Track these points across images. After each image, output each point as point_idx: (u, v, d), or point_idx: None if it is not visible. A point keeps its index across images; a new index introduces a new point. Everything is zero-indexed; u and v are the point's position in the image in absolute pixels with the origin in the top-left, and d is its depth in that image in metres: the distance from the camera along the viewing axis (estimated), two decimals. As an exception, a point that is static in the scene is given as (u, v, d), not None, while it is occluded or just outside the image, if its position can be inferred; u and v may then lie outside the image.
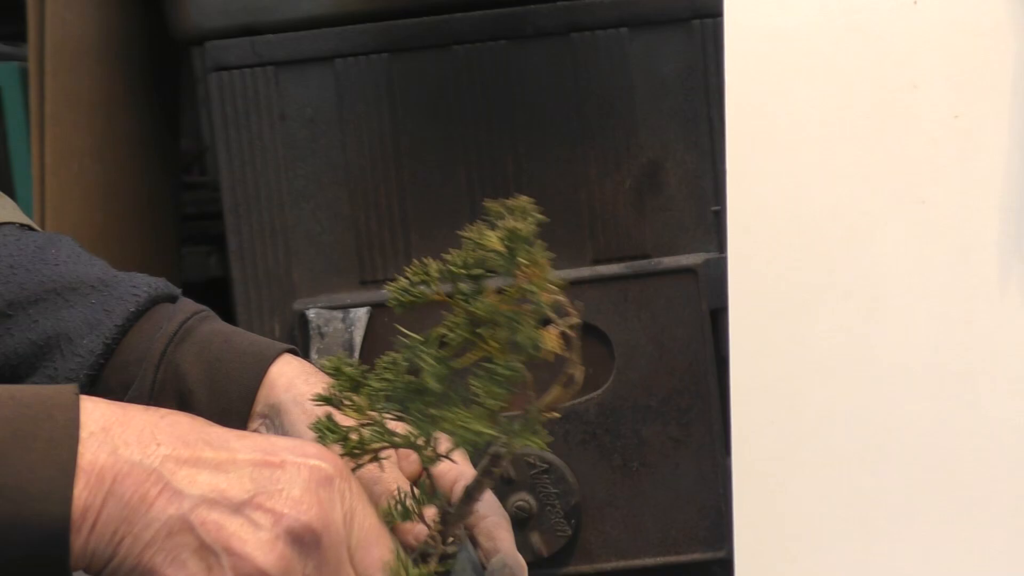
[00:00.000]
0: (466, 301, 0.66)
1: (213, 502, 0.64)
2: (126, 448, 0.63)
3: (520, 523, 1.35)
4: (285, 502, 0.65)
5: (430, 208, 1.41)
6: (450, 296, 0.70)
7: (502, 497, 1.37)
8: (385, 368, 0.69)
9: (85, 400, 0.65)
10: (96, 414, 0.64)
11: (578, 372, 0.67)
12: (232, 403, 0.82)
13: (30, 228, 0.89)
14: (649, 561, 1.41)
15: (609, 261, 1.38)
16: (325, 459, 0.67)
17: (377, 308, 1.39)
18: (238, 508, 0.64)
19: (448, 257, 0.67)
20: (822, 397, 1.06)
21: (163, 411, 0.67)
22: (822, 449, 1.07)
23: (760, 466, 1.10)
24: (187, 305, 0.86)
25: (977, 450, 1.07)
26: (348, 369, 0.70)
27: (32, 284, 0.83)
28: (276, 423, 0.81)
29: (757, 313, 1.08)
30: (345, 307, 1.39)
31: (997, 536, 1.08)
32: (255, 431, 0.82)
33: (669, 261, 1.36)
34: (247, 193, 1.41)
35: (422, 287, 0.68)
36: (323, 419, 0.70)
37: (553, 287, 0.65)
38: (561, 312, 0.66)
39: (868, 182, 1.04)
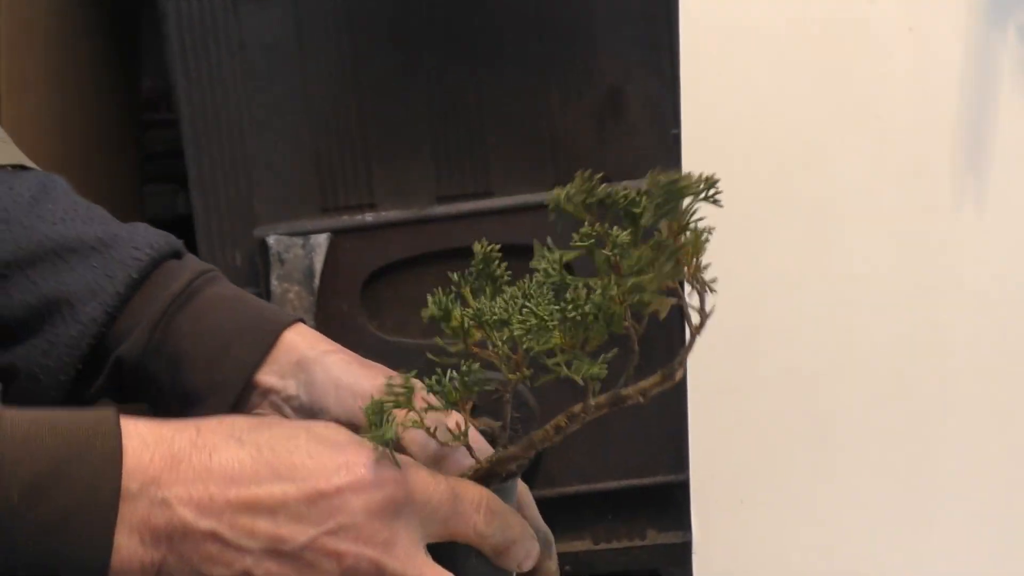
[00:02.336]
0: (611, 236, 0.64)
1: (275, 552, 0.64)
2: (181, 506, 0.63)
3: (483, 448, 1.36)
4: (345, 539, 0.65)
5: (391, 136, 1.40)
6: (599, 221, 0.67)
7: (465, 422, 1.38)
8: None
9: (128, 439, 0.63)
10: (144, 457, 0.63)
11: (680, 371, 0.67)
12: (229, 375, 0.79)
13: (23, 167, 0.85)
14: (612, 484, 1.42)
15: (571, 186, 1.38)
16: (376, 474, 0.66)
17: (337, 234, 1.39)
18: (300, 554, 0.64)
19: (622, 187, 0.65)
20: (777, 316, 1.07)
21: (210, 443, 0.65)
22: (778, 368, 1.08)
23: (716, 387, 1.11)
24: (192, 264, 0.83)
25: (934, 364, 1.08)
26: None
27: (30, 243, 0.80)
28: (301, 380, 0.79)
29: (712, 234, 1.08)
30: (306, 233, 1.38)
31: (955, 448, 1.09)
32: (283, 401, 0.80)
33: (631, 184, 1.36)
34: (207, 123, 1.40)
35: (579, 200, 0.65)
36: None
37: (699, 273, 0.64)
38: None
39: (822, 98, 1.04)
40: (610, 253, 0.63)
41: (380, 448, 0.66)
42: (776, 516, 1.13)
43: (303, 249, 1.39)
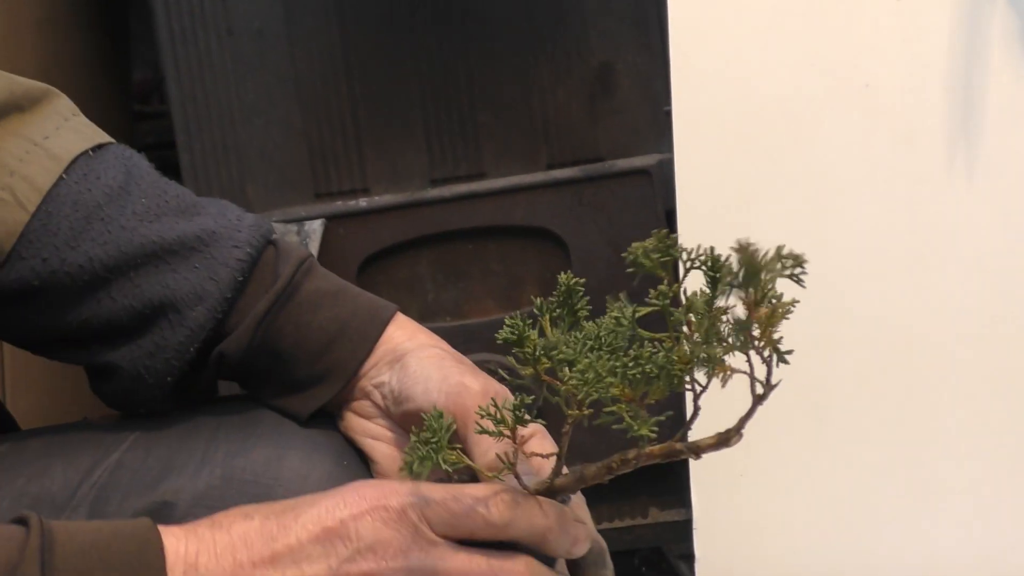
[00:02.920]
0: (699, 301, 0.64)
1: None
2: None
3: (482, 430, 1.36)
4: (366, 560, 0.68)
5: (382, 120, 1.40)
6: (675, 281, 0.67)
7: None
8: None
9: (165, 536, 0.69)
10: (180, 548, 0.69)
11: (735, 438, 0.68)
12: (334, 369, 0.80)
13: (99, 146, 0.84)
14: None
15: (563, 166, 1.38)
16: (371, 493, 0.69)
17: (331, 220, 1.39)
18: None
19: (702, 250, 0.64)
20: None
21: (226, 522, 0.70)
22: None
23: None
24: (288, 255, 0.83)
25: (929, 333, 1.08)
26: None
27: (131, 247, 0.79)
28: (396, 369, 0.80)
29: (705, 207, 1.08)
30: (300, 220, 1.38)
31: (951, 416, 1.09)
32: (375, 387, 0.81)
33: (623, 163, 1.36)
34: (197, 110, 1.40)
35: (656, 257, 0.65)
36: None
37: (772, 344, 0.63)
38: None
39: (812, 67, 1.03)
40: (683, 316, 0.64)
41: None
42: (775, 490, 1.13)
43: (298, 235, 1.39)
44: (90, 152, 0.82)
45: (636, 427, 0.66)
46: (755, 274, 0.62)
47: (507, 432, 0.69)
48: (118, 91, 1.86)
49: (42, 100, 0.83)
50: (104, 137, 0.85)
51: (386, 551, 0.68)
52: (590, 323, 0.68)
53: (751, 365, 0.62)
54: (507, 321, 0.68)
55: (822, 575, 1.13)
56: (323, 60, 1.38)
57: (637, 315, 0.66)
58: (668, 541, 1.50)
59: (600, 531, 1.46)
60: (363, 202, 1.40)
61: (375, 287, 1.42)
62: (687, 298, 0.64)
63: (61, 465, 0.81)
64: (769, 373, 0.63)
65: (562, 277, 0.71)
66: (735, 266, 0.63)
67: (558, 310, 0.71)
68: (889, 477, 1.10)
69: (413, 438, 0.68)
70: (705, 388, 0.65)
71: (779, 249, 0.62)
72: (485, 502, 0.69)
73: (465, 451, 0.73)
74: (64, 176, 0.80)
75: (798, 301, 0.60)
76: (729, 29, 1.06)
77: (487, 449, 0.73)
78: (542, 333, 0.69)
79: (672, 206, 1.31)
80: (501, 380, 0.75)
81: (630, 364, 0.65)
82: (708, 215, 1.05)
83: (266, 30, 1.38)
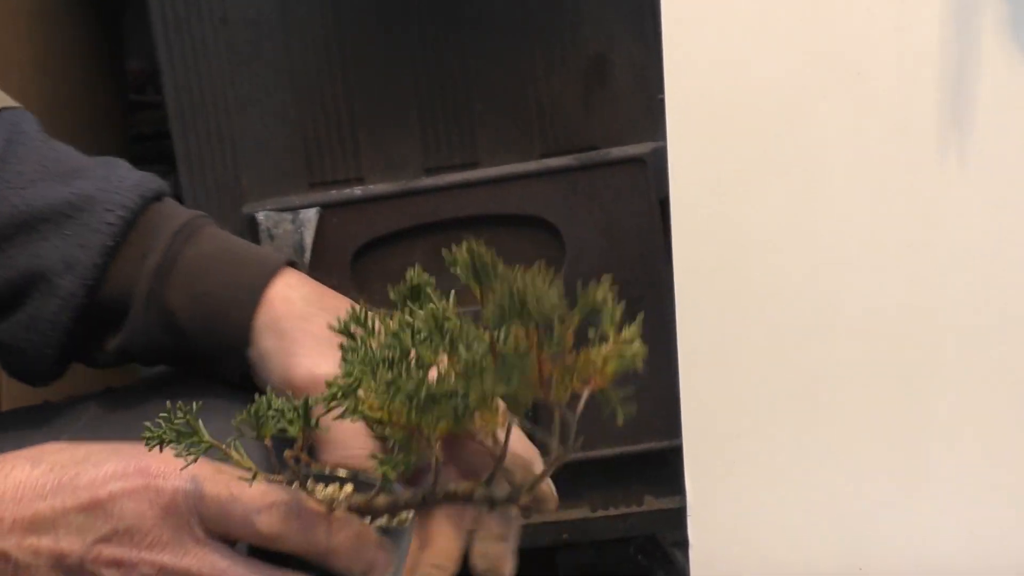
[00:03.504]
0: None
1: (59, 568, 0.64)
2: None
3: (477, 418, 1.36)
4: (122, 545, 0.64)
5: (377, 108, 1.40)
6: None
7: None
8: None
9: None
10: None
11: (516, 504, 0.62)
12: (228, 339, 0.77)
13: None
14: (607, 452, 1.42)
15: (558, 154, 1.38)
16: (153, 467, 0.65)
17: (327, 209, 1.39)
18: (81, 567, 0.64)
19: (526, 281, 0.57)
20: (765, 276, 1.07)
21: (7, 465, 0.65)
22: (766, 328, 1.08)
23: (706, 351, 1.11)
24: (169, 219, 0.79)
25: (921, 321, 1.08)
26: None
27: (1, 217, 0.77)
28: (279, 347, 0.77)
29: (698, 197, 1.08)
30: (294, 208, 1.38)
31: (944, 404, 1.09)
32: (265, 354, 0.77)
33: (617, 152, 1.36)
34: (191, 100, 1.40)
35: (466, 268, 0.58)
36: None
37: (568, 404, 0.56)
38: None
39: (804, 56, 1.03)
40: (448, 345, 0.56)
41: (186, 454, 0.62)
42: (769, 478, 1.14)
43: (292, 224, 1.39)
44: None
45: (380, 467, 0.59)
46: (524, 310, 0.54)
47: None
48: (113, 81, 1.86)
49: None
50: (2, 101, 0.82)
51: (143, 540, 0.63)
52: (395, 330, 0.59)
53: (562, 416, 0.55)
54: (352, 311, 0.62)
55: (816, 562, 1.13)
56: (317, 49, 1.38)
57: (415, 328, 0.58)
58: (662, 529, 1.51)
59: (594, 519, 1.48)
60: (357, 191, 1.40)
61: (369, 276, 1.42)
62: (459, 328, 0.56)
63: (12, 446, 0.80)
64: (567, 431, 0.56)
65: (410, 273, 0.63)
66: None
67: (404, 307, 0.62)
68: (883, 466, 1.10)
69: (253, 407, 0.61)
70: (497, 434, 0.57)
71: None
72: (259, 510, 0.64)
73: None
74: None
75: (643, 353, 0.53)
76: (722, 17, 1.06)
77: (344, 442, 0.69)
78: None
79: (667, 194, 1.32)
80: None
81: (384, 387, 0.57)
82: (701, 203, 1.06)
83: (261, 19, 1.38)
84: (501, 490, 0.63)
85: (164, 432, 0.61)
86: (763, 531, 1.14)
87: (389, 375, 0.56)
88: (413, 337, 0.58)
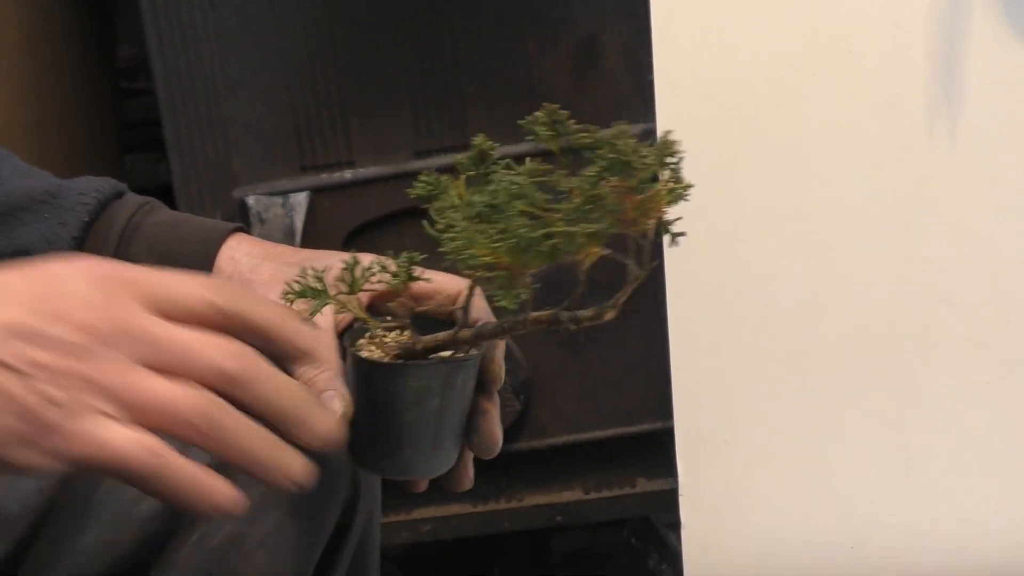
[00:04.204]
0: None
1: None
2: None
3: (470, 401, 1.36)
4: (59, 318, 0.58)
5: (367, 91, 1.39)
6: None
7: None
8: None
9: None
10: None
11: (609, 313, 0.68)
12: None
13: None
14: (600, 434, 1.42)
15: (549, 137, 1.37)
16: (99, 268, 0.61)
17: (317, 193, 1.38)
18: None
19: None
20: (755, 254, 1.07)
21: None
22: (757, 306, 1.08)
23: (696, 332, 1.11)
24: (132, 200, 0.86)
25: (912, 299, 1.08)
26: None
27: None
28: None
29: (687, 175, 1.07)
30: (285, 192, 1.38)
31: (935, 379, 1.09)
32: None
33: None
34: (181, 84, 1.39)
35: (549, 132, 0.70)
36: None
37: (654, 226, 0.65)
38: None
39: (794, 34, 1.03)
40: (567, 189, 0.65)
41: None
42: (760, 457, 1.14)
43: (283, 208, 1.38)
44: None
45: (499, 297, 0.66)
46: (625, 162, 0.64)
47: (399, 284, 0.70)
48: (103, 68, 1.86)
49: None
50: None
51: (88, 308, 0.58)
52: (489, 187, 0.68)
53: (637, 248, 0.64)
54: (422, 176, 0.70)
55: (807, 541, 1.13)
56: (307, 32, 1.38)
57: (532, 179, 0.67)
58: (656, 510, 1.51)
59: (587, 502, 1.47)
60: (348, 174, 1.40)
61: (361, 260, 1.42)
62: (555, 177, 0.66)
63: None
64: (643, 258, 0.65)
65: (476, 139, 0.73)
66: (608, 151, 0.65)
67: (472, 170, 0.72)
68: (873, 445, 1.10)
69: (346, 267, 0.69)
70: (589, 263, 0.65)
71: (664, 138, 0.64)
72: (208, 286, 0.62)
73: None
74: None
75: (692, 185, 0.62)
76: (712, -4, 1.05)
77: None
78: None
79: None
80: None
81: (495, 235, 0.65)
82: (692, 181, 1.05)
83: (249, 3, 1.37)
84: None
85: (301, 289, 0.68)
86: (754, 511, 1.14)
87: (500, 224, 0.65)
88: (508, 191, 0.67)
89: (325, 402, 0.67)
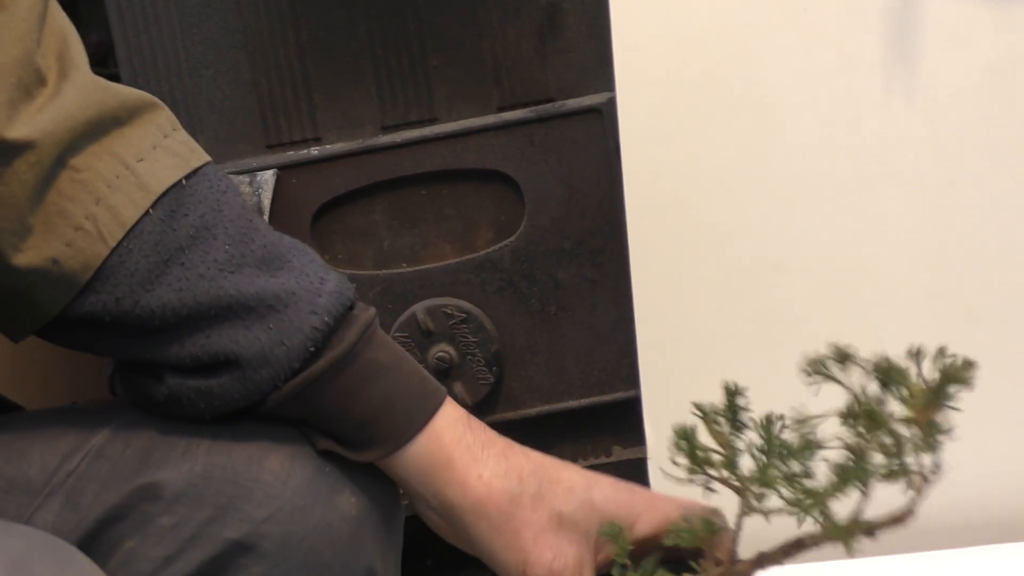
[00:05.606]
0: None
1: None
2: None
3: (441, 374, 1.36)
4: None
5: (332, 67, 1.39)
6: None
7: (422, 348, 1.38)
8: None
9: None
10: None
11: (909, 517, 0.71)
12: (379, 441, 0.79)
13: (192, 173, 0.80)
14: (573, 403, 1.42)
15: (514, 107, 1.37)
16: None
17: (284, 170, 1.38)
18: None
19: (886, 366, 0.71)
20: (717, 218, 1.07)
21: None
22: (718, 267, 1.08)
23: (660, 297, 1.11)
24: (357, 320, 0.80)
25: (872, 255, 1.08)
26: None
27: (207, 298, 0.76)
28: (495, 535, 0.80)
29: (648, 142, 1.07)
30: (252, 171, 1.38)
31: (898, 335, 1.09)
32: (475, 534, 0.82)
33: (573, 103, 1.35)
34: (143, 63, 1.39)
35: (835, 370, 0.72)
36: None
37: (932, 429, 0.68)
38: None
39: (749, -7, 1.03)
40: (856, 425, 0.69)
41: None
42: (730, 420, 1.14)
43: (250, 187, 1.38)
44: (183, 182, 0.79)
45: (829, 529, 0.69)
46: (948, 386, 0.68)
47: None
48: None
49: (142, 112, 0.80)
50: (200, 158, 0.83)
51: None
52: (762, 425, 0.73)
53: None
54: (675, 429, 0.75)
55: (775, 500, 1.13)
56: (269, 8, 1.37)
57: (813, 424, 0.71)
58: (633, 479, 1.51)
59: (558, 412, 1.47)
60: (315, 151, 1.40)
61: (330, 236, 1.41)
62: (856, 407, 0.68)
63: (39, 448, 0.79)
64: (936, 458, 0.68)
65: (727, 384, 0.77)
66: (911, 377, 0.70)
67: (720, 416, 0.76)
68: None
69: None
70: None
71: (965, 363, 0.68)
72: None
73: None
74: (151, 211, 0.77)
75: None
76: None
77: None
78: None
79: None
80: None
81: (800, 475, 0.70)
82: (652, 148, 1.05)
83: (210, -20, 1.37)
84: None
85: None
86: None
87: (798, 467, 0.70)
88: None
89: None
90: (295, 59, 1.38)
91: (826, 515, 0.68)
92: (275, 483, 0.76)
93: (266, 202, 1.37)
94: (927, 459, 0.67)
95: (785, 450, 0.70)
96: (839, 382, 0.70)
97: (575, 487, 0.81)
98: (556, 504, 0.79)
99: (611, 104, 1.32)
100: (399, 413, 0.79)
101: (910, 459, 0.67)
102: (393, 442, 0.78)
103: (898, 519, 0.69)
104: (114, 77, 2.16)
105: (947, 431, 0.66)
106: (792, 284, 1.06)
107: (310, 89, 1.39)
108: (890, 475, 0.67)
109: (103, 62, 2.29)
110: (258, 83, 1.39)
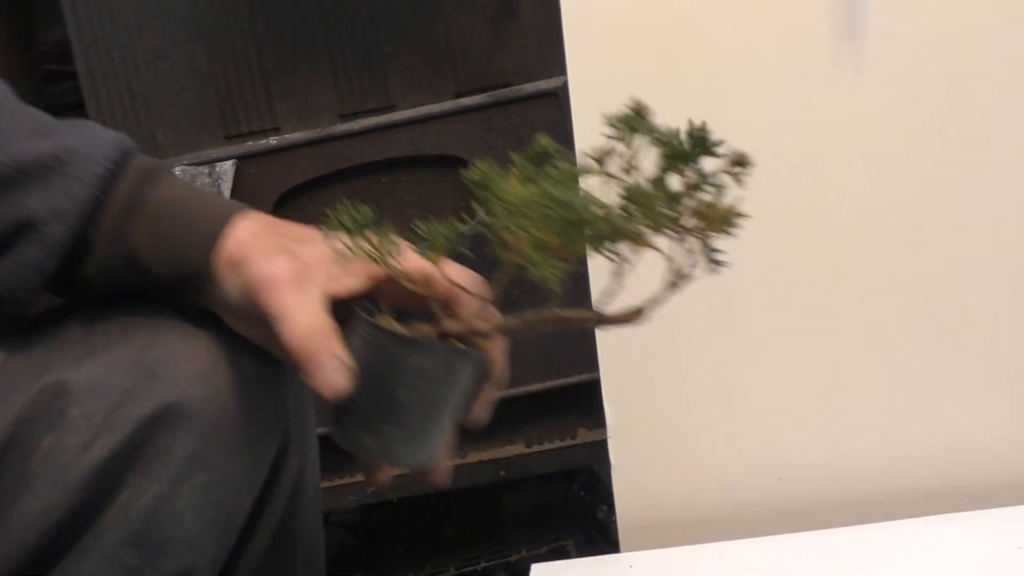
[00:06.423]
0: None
1: None
2: None
3: (405, 360, 1.36)
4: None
5: (288, 57, 1.39)
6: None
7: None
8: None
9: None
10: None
11: (638, 318, 0.70)
12: (190, 275, 0.79)
13: None
14: (536, 387, 1.43)
15: (471, 93, 1.38)
16: None
17: (243, 160, 1.38)
18: None
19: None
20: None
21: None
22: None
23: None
24: (135, 166, 0.81)
25: (824, 230, 1.09)
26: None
27: None
28: (236, 273, 0.79)
29: (600, 125, 1.07)
30: (211, 162, 1.37)
31: (851, 312, 1.10)
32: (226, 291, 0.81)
33: (530, 87, 1.36)
34: (99, 56, 1.39)
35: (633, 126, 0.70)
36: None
37: (703, 242, 0.68)
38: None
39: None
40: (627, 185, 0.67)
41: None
42: (686, 397, 1.15)
43: (209, 178, 1.38)
44: None
45: (540, 269, 0.68)
46: (693, 155, 0.68)
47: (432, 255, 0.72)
48: (27, 51, 1.84)
49: None
50: None
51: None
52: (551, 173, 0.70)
53: (687, 252, 0.66)
54: (476, 162, 0.72)
55: (737, 476, 1.14)
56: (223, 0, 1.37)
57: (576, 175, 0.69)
58: (598, 460, 1.52)
59: (530, 455, 1.48)
60: (273, 140, 1.40)
61: (290, 225, 1.41)
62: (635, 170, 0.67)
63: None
64: (687, 264, 0.67)
65: (541, 139, 0.73)
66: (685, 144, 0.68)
67: (529, 166, 0.73)
68: (796, 376, 1.12)
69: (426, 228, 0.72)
70: (624, 262, 0.67)
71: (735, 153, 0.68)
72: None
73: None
74: None
75: (742, 215, 0.66)
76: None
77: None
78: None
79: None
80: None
81: (551, 204, 0.67)
82: (604, 128, 1.05)
83: (164, -29, 1.37)
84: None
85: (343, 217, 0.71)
86: (684, 451, 1.15)
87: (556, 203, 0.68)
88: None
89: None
90: (251, 49, 1.38)
91: (551, 271, 0.68)
92: (175, 359, 0.78)
93: (226, 192, 1.37)
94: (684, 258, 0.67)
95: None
96: (625, 143, 0.69)
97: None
98: (290, 244, 0.80)
99: (567, 88, 1.32)
100: (202, 227, 0.80)
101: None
102: (197, 253, 0.79)
103: (627, 316, 0.69)
104: (71, 74, 2.15)
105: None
106: (744, 261, 1.07)
107: (267, 79, 1.39)
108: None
109: (64, 59, 2.29)
110: (215, 74, 1.39)
